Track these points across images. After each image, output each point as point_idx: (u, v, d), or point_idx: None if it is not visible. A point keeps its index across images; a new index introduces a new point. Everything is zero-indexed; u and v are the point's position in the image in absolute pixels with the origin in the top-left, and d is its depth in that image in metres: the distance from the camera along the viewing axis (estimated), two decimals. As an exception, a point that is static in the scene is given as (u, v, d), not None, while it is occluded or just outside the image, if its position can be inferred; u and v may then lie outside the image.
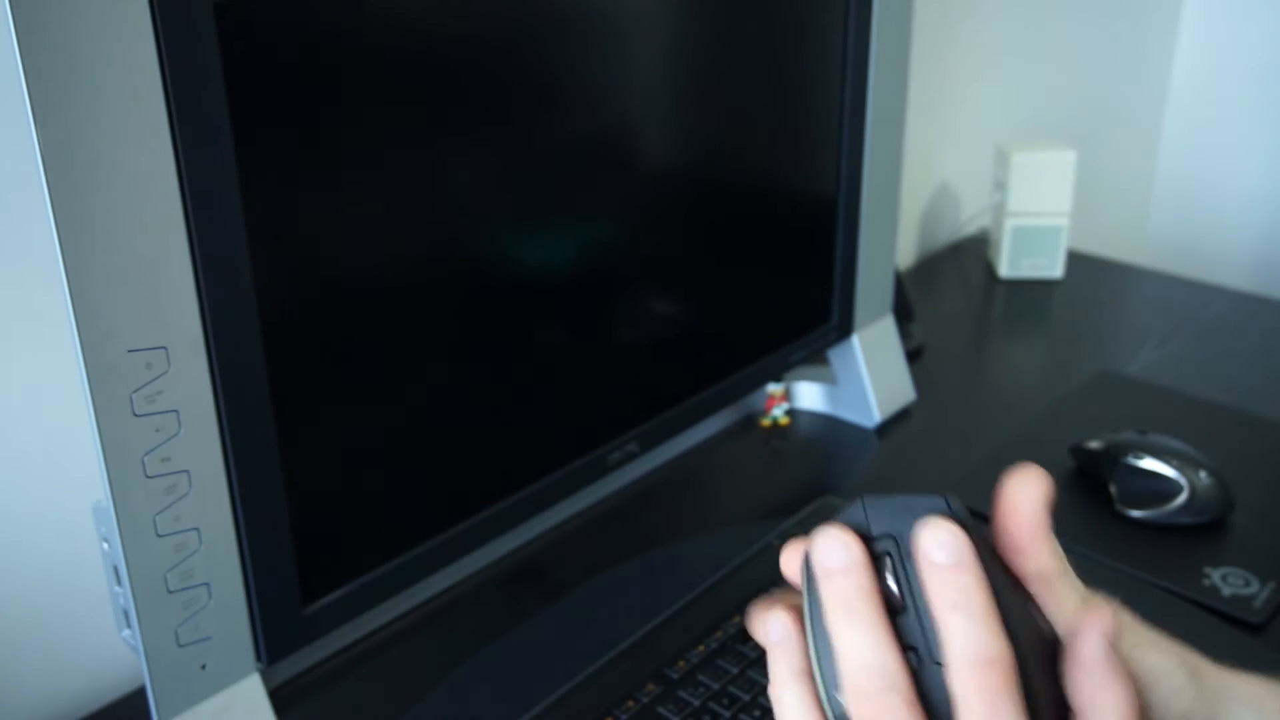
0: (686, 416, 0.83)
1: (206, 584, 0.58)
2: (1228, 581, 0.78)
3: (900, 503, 0.35)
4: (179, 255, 0.53)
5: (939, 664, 0.33)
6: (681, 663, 0.69)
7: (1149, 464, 0.85)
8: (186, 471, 0.55)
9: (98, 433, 0.52)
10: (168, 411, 0.54)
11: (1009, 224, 1.29)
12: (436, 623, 0.77)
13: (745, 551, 0.79)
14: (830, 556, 0.34)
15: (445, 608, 0.79)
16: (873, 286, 0.98)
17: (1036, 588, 0.36)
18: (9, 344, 0.67)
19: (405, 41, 0.59)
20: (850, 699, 0.32)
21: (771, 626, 0.35)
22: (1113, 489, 0.86)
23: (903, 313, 1.09)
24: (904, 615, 0.33)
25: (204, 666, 0.59)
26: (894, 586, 0.34)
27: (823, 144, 0.89)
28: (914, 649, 0.33)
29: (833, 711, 0.34)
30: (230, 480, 0.57)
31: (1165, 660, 0.39)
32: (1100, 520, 0.85)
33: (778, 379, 1.00)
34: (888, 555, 0.34)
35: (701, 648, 0.70)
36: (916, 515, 0.34)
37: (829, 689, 0.34)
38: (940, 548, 0.33)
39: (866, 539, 0.35)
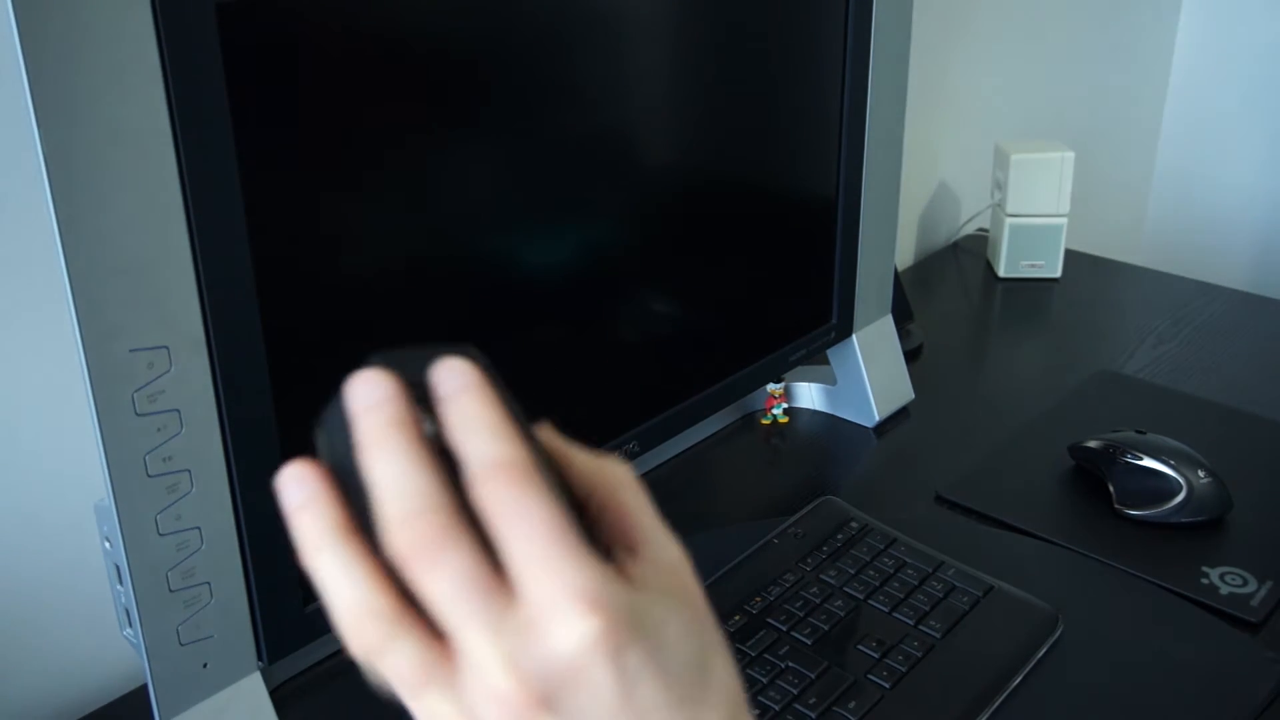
0: (686, 416, 0.84)
1: (207, 583, 0.58)
2: (1225, 580, 0.78)
3: (424, 354, 0.34)
4: (180, 255, 0.53)
5: None
6: (681, 661, 0.69)
7: (1147, 463, 0.85)
8: (188, 471, 0.55)
9: (99, 432, 0.52)
10: (169, 411, 0.54)
11: (1008, 224, 1.29)
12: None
13: (745, 550, 0.79)
14: (361, 395, 0.33)
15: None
16: (872, 286, 0.98)
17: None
18: (11, 344, 0.67)
19: (405, 41, 0.60)
20: (391, 530, 0.31)
21: (292, 489, 0.34)
22: (1111, 488, 0.86)
23: (902, 312, 1.09)
24: (438, 458, 0.32)
25: (205, 665, 0.59)
26: (426, 428, 0.33)
27: (823, 144, 0.90)
28: (452, 487, 0.32)
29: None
30: (231, 479, 0.57)
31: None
32: (1099, 519, 0.85)
33: (777, 379, 1.00)
34: (415, 402, 0.33)
35: (701, 646, 0.70)
36: (431, 362, 0.33)
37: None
38: (449, 377, 0.33)
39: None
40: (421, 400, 0.33)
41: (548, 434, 0.35)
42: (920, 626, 0.72)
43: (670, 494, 0.92)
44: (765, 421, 1.01)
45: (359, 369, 0.33)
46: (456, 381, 0.33)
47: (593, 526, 0.34)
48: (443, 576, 0.30)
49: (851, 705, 0.66)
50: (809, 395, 1.04)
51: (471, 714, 0.31)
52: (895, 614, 0.73)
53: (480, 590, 0.30)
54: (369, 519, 0.32)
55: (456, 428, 0.32)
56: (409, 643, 0.31)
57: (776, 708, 0.66)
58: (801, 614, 0.73)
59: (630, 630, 0.31)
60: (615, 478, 0.35)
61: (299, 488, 0.33)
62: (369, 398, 0.33)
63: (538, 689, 0.30)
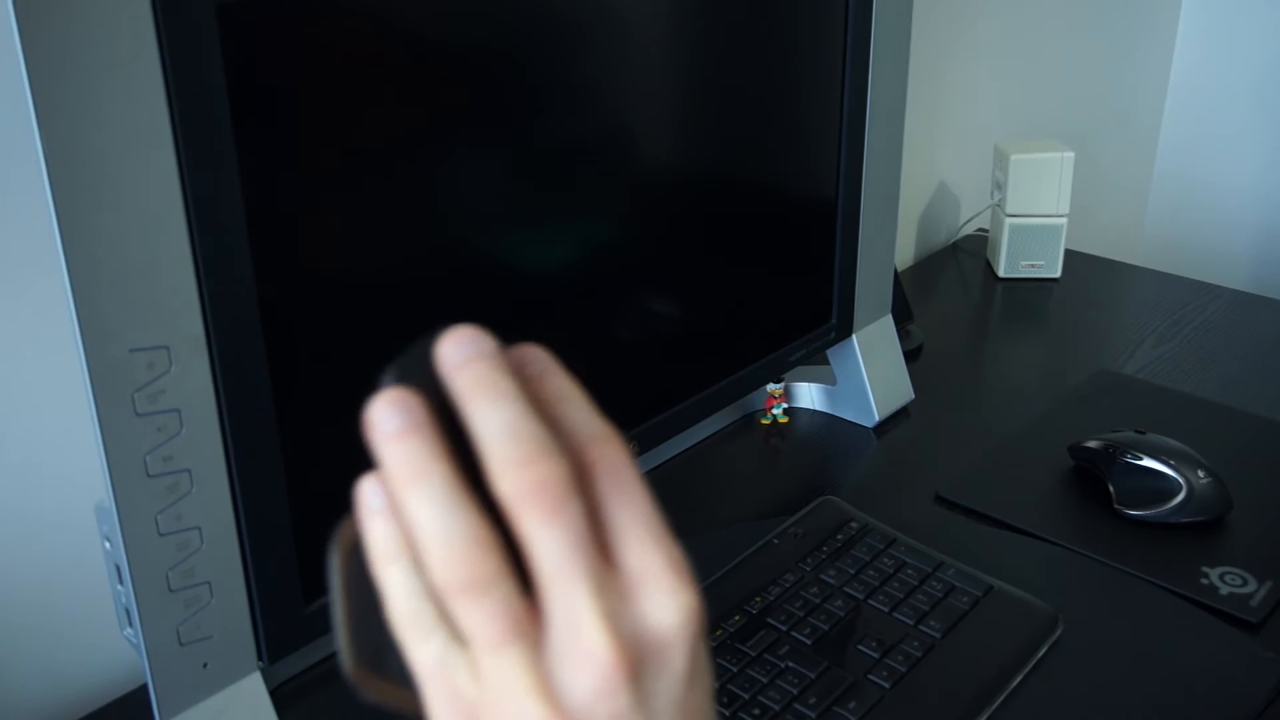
0: (686, 416, 0.84)
1: (208, 583, 0.58)
2: (1225, 580, 0.78)
3: (424, 351, 0.32)
4: (180, 255, 0.53)
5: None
6: (681, 661, 0.69)
7: (1147, 463, 0.85)
8: (188, 471, 0.55)
9: (100, 432, 0.52)
10: (169, 411, 0.54)
11: (1008, 224, 1.29)
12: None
13: (745, 550, 0.79)
14: (463, 347, 0.31)
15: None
16: (872, 286, 0.98)
17: None
18: (11, 343, 0.67)
19: (406, 42, 0.60)
20: (503, 471, 0.29)
21: (390, 414, 0.31)
22: (1111, 488, 0.86)
23: (902, 312, 1.10)
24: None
25: (205, 665, 0.59)
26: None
27: (823, 144, 0.90)
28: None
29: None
30: (232, 479, 0.57)
31: None
32: (1098, 519, 0.85)
33: (777, 379, 1.00)
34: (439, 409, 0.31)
35: (701, 646, 0.70)
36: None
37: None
38: (532, 358, 0.32)
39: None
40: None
41: None
42: (920, 626, 0.72)
43: (670, 494, 0.92)
44: (765, 421, 1.01)
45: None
46: (542, 362, 0.32)
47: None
48: (558, 527, 0.29)
49: (851, 705, 0.66)
50: (809, 395, 1.04)
51: (548, 678, 0.30)
52: (895, 614, 0.73)
53: (590, 548, 0.30)
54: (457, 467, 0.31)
55: (557, 399, 0.32)
56: (508, 587, 0.30)
57: (776, 708, 0.66)
58: (801, 614, 0.73)
59: (702, 619, 0.31)
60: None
61: (400, 413, 0.31)
62: (469, 349, 0.31)
63: (632, 655, 0.30)
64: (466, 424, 0.31)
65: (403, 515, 0.31)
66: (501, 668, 0.30)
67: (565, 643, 0.29)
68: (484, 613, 0.30)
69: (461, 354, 0.31)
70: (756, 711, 0.66)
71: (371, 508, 0.32)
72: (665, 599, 0.30)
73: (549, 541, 0.29)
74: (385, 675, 0.33)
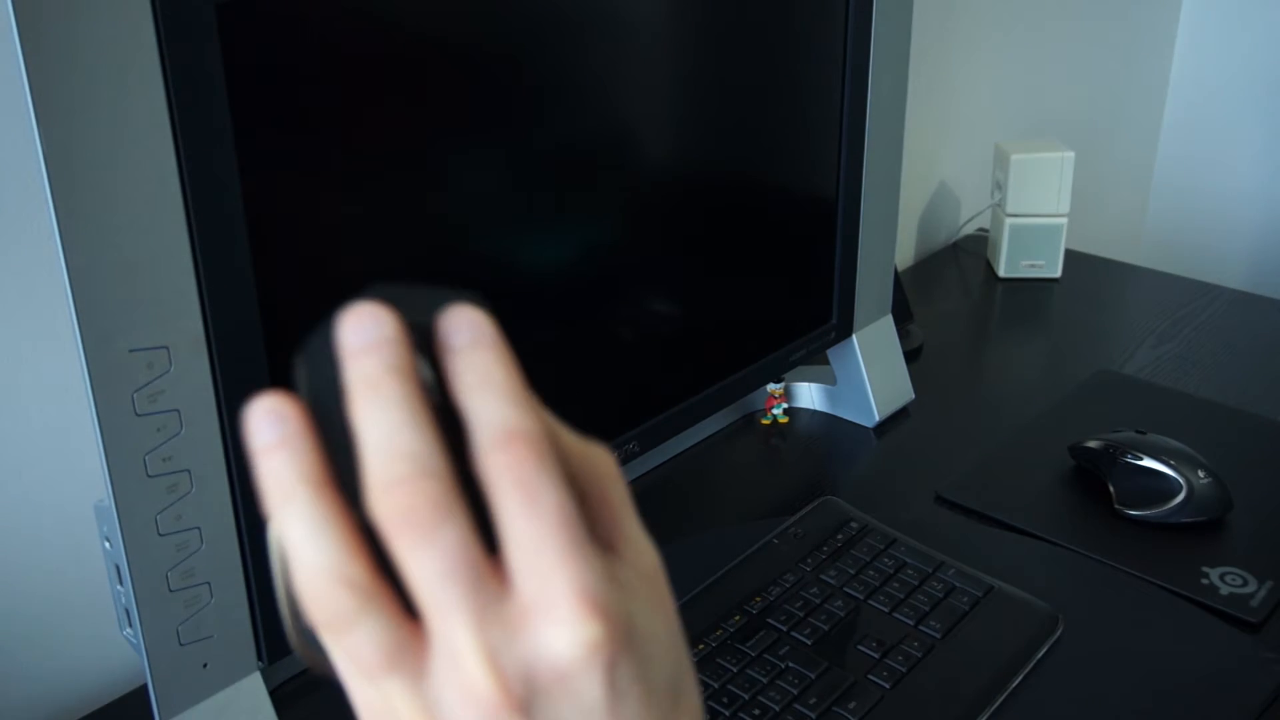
0: (686, 416, 0.84)
1: (208, 583, 0.58)
2: (1226, 581, 0.78)
3: (425, 294, 0.30)
4: (180, 255, 0.53)
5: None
6: (681, 661, 0.69)
7: (1148, 463, 0.85)
8: (188, 471, 0.55)
9: (99, 432, 0.52)
10: (169, 411, 0.54)
11: (1008, 224, 1.29)
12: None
13: (745, 550, 0.79)
14: (358, 333, 0.28)
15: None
16: (872, 286, 0.98)
17: None
18: (11, 344, 0.67)
19: (406, 42, 0.60)
20: (376, 493, 0.27)
21: (264, 425, 0.29)
22: (1111, 488, 0.86)
23: (902, 312, 1.09)
24: (438, 414, 0.29)
25: (205, 665, 0.59)
26: (427, 376, 0.29)
27: (823, 144, 0.90)
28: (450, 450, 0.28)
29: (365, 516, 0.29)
30: (231, 479, 0.57)
31: None
32: (1099, 519, 0.85)
33: (777, 379, 1.00)
34: (415, 349, 0.29)
35: (701, 646, 0.70)
36: (440, 305, 0.29)
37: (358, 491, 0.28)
38: (460, 328, 0.29)
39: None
40: (421, 348, 0.29)
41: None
42: (920, 627, 0.72)
43: (670, 494, 0.92)
44: (765, 421, 1.01)
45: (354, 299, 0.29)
46: (471, 333, 0.29)
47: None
48: (431, 554, 0.27)
49: (852, 705, 0.66)
50: (809, 395, 1.04)
51: (434, 710, 0.28)
52: (895, 614, 0.73)
53: (471, 573, 0.27)
54: (347, 473, 0.28)
55: (466, 386, 0.28)
56: (379, 620, 0.28)
57: (777, 708, 0.66)
58: (801, 614, 0.73)
59: (625, 641, 0.28)
60: (602, 466, 0.31)
61: (273, 424, 0.29)
62: (365, 336, 0.28)
63: (519, 691, 0.27)
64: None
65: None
66: (381, 697, 0.28)
67: (447, 677, 0.28)
68: (353, 646, 0.28)
69: (358, 340, 0.29)
70: (756, 712, 0.66)
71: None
72: (561, 630, 0.27)
73: (423, 570, 0.27)
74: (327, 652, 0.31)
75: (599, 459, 0.31)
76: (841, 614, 0.73)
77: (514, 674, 0.27)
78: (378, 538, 0.28)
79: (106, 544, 0.56)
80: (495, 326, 0.29)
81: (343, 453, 0.28)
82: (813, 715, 0.66)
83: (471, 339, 0.29)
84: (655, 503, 0.89)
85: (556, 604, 0.27)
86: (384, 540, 0.27)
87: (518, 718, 0.27)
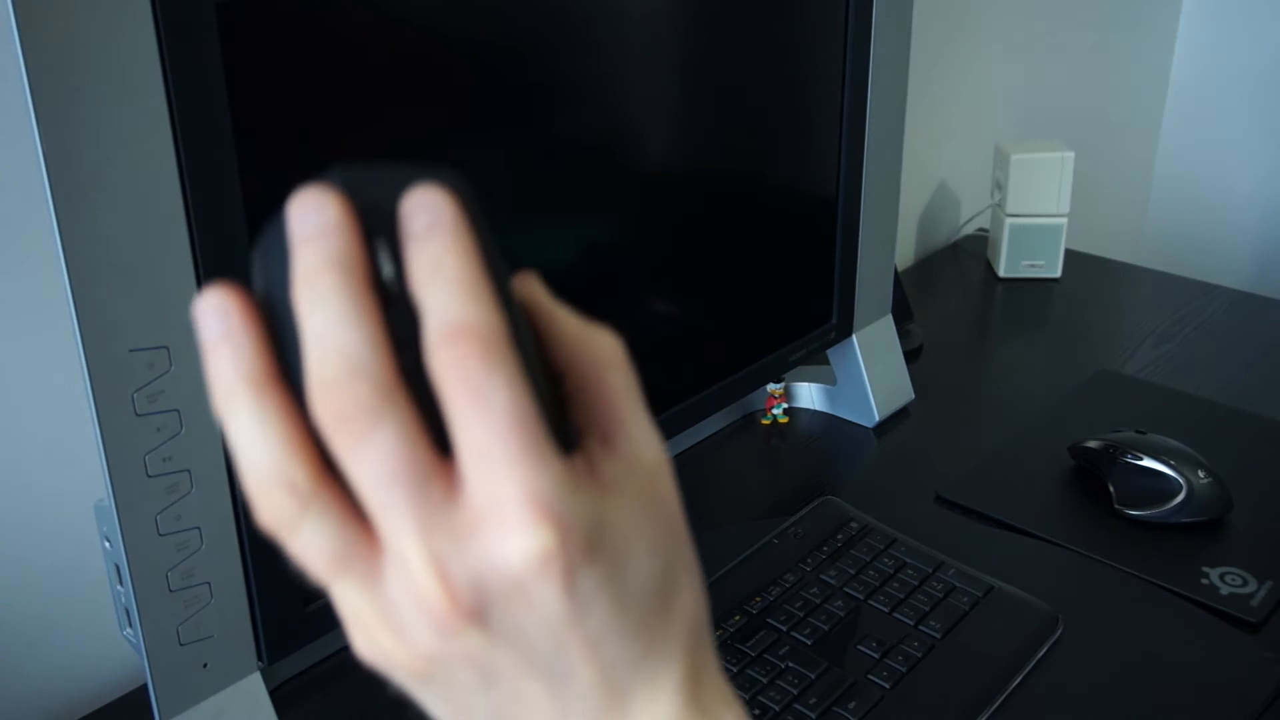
0: (686, 416, 0.84)
1: (208, 583, 0.58)
2: (1226, 580, 0.78)
3: (393, 175, 0.28)
4: (180, 255, 0.53)
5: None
6: (681, 662, 0.69)
7: (1147, 463, 0.85)
8: (188, 471, 0.55)
9: (99, 432, 0.52)
10: (169, 411, 0.54)
11: (1008, 224, 1.29)
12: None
13: (745, 550, 0.79)
14: (303, 220, 0.27)
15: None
16: (872, 286, 0.98)
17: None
18: (11, 344, 0.67)
19: (406, 41, 0.60)
20: (314, 392, 0.26)
21: (211, 320, 0.27)
22: (1111, 488, 0.86)
23: (902, 312, 1.09)
24: (396, 307, 0.27)
25: (205, 665, 0.59)
26: (386, 269, 0.27)
27: (823, 144, 0.90)
28: (409, 345, 0.26)
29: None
30: (231, 479, 0.57)
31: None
32: (1099, 519, 0.85)
33: (778, 379, 1.00)
34: (378, 235, 0.27)
35: (701, 647, 0.70)
36: (407, 187, 0.27)
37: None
38: (418, 212, 0.27)
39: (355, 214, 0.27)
40: (386, 232, 0.27)
41: (532, 286, 0.30)
42: (920, 627, 0.72)
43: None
44: (765, 421, 1.01)
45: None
46: (428, 217, 0.27)
47: (564, 405, 0.29)
48: (370, 456, 0.26)
49: (852, 705, 0.66)
50: (809, 395, 1.04)
51: (388, 612, 0.27)
52: (895, 614, 0.73)
53: (415, 477, 0.26)
54: (298, 371, 0.27)
55: (418, 276, 0.26)
56: (324, 522, 0.27)
57: (776, 708, 0.66)
58: (801, 614, 0.73)
59: (587, 548, 0.27)
60: (603, 352, 0.29)
61: (217, 319, 0.27)
62: (311, 223, 0.27)
63: (468, 600, 0.26)
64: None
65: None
66: (339, 598, 0.28)
67: (398, 580, 0.27)
68: (299, 548, 0.27)
69: (302, 228, 0.27)
70: (757, 712, 0.66)
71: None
72: (510, 537, 0.26)
73: (364, 473, 0.26)
74: None
75: (599, 344, 0.29)
76: (841, 614, 0.73)
77: (463, 582, 0.26)
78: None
79: (106, 544, 0.56)
80: (462, 207, 0.27)
81: (294, 349, 0.27)
82: (813, 715, 0.66)
83: (428, 224, 0.27)
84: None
85: (505, 510, 0.26)
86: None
87: (471, 626, 0.26)
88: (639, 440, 0.29)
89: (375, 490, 0.26)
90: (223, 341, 0.27)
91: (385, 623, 0.27)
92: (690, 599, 0.30)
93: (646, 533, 0.28)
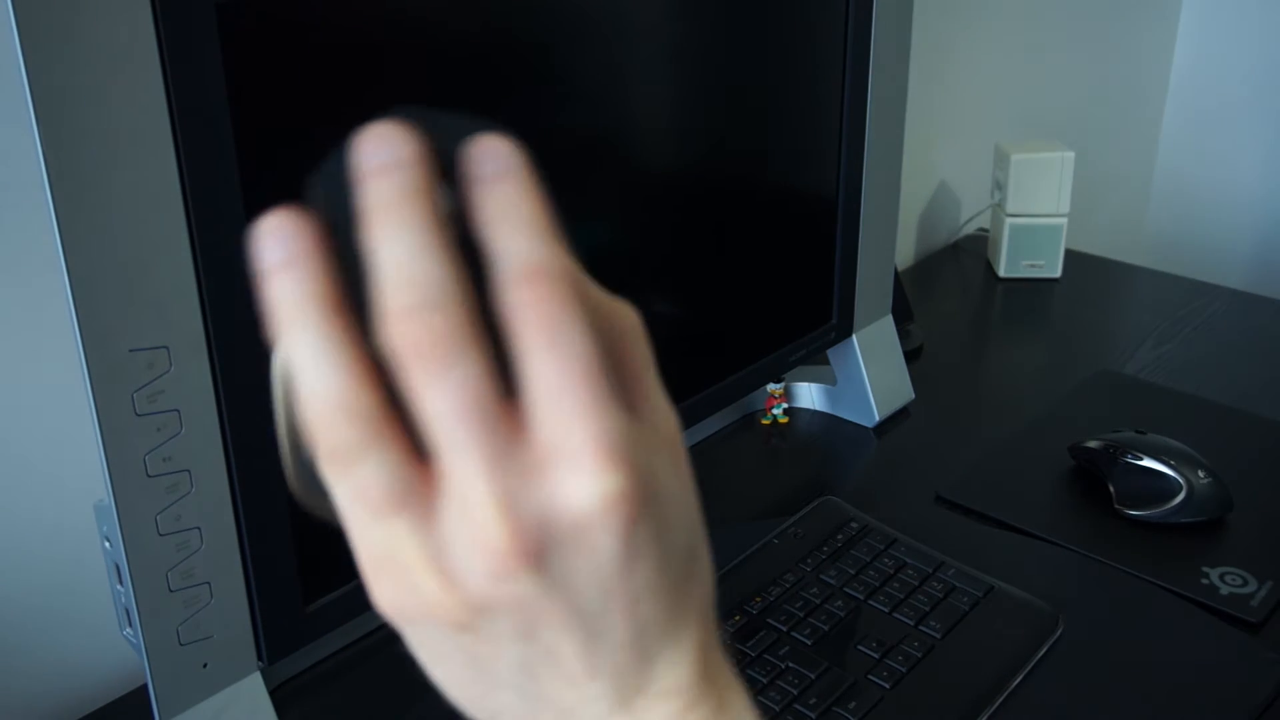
0: (686, 416, 0.84)
1: (207, 583, 0.58)
2: (1226, 580, 0.78)
3: (452, 122, 0.28)
4: (180, 255, 0.53)
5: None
6: (681, 662, 0.69)
7: (1147, 463, 0.85)
8: (188, 471, 0.55)
9: (99, 432, 0.52)
10: (169, 411, 0.54)
11: (1008, 224, 1.29)
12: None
13: (745, 550, 0.79)
14: (376, 153, 0.26)
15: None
16: (872, 286, 0.98)
17: None
18: (11, 343, 0.67)
19: (406, 40, 0.60)
20: (391, 321, 0.25)
21: (272, 243, 0.26)
22: (1111, 488, 0.86)
23: (902, 312, 1.09)
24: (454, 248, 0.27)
25: (205, 665, 0.59)
26: (448, 207, 0.27)
27: (823, 144, 0.90)
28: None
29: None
30: (231, 479, 0.57)
31: None
32: (1099, 519, 0.85)
33: (778, 379, 1.00)
34: (439, 178, 0.27)
35: (701, 647, 0.70)
36: (467, 134, 0.28)
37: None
38: (488, 158, 0.27)
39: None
40: (444, 177, 0.27)
41: (562, 252, 0.30)
42: (920, 627, 0.72)
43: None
44: (765, 421, 1.01)
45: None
46: (499, 163, 0.27)
47: None
48: (444, 389, 0.25)
49: (852, 706, 0.66)
50: (809, 395, 1.04)
51: (440, 554, 0.26)
52: (895, 614, 0.73)
53: (486, 414, 0.25)
54: (361, 304, 0.27)
55: (492, 218, 0.27)
56: (386, 455, 0.26)
57: (777, 708, 0.66)
58: (801, 614, 0.73)
59: (647, 500, 0.27)
60: (627, 322, 0.29)
61: (281, 242, 0.27)
62: (383, 156, 0.26)
63: (531, 541, 0.26)
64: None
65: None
66: (387, 539, 0.27)
67: (458, 519, 0.26)
68: (357, 481, 0.26)
69: (375, 160, 0.27)
70: (758, 712, 0.66)
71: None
72: (580, 479, 0.26)
73: (436, 406, 0.25)
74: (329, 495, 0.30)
75: (624, 315, 0.29)
76: (841, 614, 0.73)
77: (528, 523, 0.26)
78: (392, 375, 0.26)
79: (106, 544, 0.56)
80: (525, 162, 0.27)
81: (357, 282, 0.27)
82: (813, 715, 0.66)
83: (499, 169, 0.27)
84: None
85: (578, 452, 0.26)
86: (397, 375, 0.26)
87: (528, 568, 0.26)
88: (661, 409, 0.30)
89: (447, 424, 0.25)
90: (287, 265, 0.26)
91: (434, 566, 0.26)
92: (706, 568, 0.30)
93: (680, 495, 0.29)
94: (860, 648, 0.71)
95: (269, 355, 0.28)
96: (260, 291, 0.27)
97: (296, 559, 0.61)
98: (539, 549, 0.26)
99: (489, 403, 0.25)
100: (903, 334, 1.06)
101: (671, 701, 0.30)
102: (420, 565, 0.26)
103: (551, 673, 0.28)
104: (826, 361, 1.02)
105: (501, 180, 0.27)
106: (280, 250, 0.26)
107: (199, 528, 0.57)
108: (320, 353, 0.26)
